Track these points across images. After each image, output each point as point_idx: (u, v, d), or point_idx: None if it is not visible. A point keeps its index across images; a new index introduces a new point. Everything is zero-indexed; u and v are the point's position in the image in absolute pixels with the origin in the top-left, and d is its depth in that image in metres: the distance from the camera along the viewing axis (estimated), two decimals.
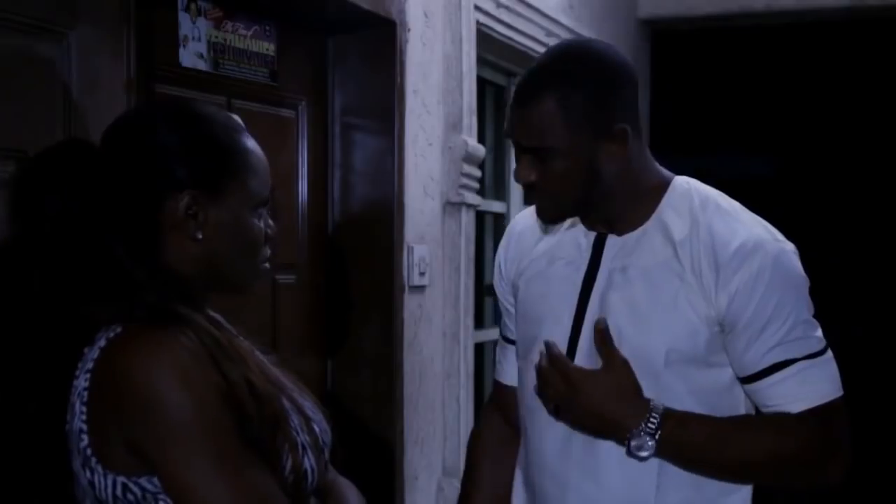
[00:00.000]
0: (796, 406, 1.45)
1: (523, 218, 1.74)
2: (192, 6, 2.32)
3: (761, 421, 1.50)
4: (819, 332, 1.48)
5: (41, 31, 1.71)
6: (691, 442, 1.45)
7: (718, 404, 1.50)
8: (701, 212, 1.50)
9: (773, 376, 1.45)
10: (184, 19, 2.30)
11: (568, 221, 1.62)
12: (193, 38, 2.32)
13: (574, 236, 1.60)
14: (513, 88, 4.07)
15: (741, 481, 1.52)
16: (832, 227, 7.13)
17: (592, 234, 1.57)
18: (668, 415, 1.44)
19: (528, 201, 1.55)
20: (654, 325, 1.48)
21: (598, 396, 1.44)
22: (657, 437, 1.42)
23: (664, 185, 1.55)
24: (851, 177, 7.43)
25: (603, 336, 1.46)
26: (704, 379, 1.49)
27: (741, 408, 1.54)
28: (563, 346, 1.54)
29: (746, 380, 1.49)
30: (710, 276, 1.45)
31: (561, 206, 1.52)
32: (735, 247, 1.45)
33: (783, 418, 1.46)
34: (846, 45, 6.27)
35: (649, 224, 1.53)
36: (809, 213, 6.95)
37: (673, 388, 1.48)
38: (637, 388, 1.45)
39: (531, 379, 1.57)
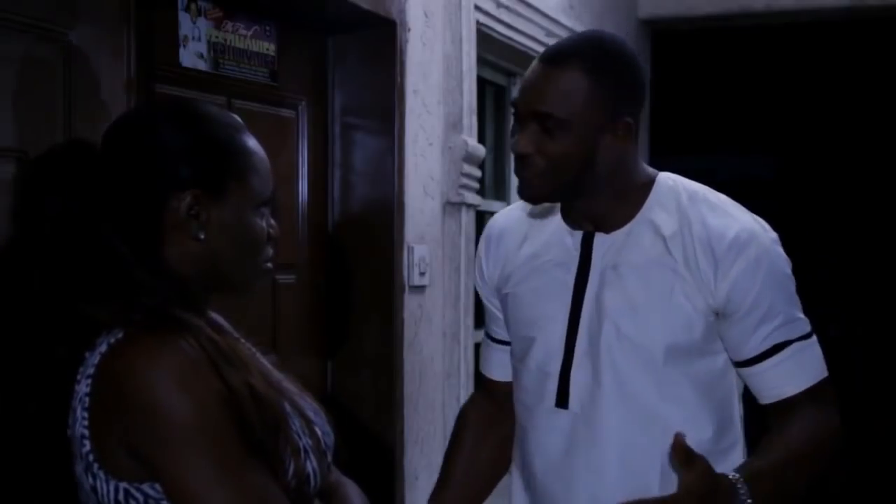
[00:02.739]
0: (795, 386, 1.51)
1: (501, 218, 1.74)
2: (192, 6, 2.32)
3: (788, 431, 1.51)
4: (803, 314, 1.55)
5: (41, 31, 1.71)
6: (771, 487, 1.44)
7: (714, 390, 1.54)
8: (690, 207, 1.53)
9: (772, 359, 1.51)
10: (184, 19, 2.30)
11: (552, 222, 1.62)
12: (193, 38, 2.32)
13: (560, 237, 1.60)
14: (513, 89, 4.08)
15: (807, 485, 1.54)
16: (832, 226, 7.14)
17: (579, 234, 1.58)
18: (747, 478, 1.40)
19: (517, 172, 1.54)
20: (651, 320, 1.50)
21: None
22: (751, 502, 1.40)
23: (649, 183, 1.57)
24: (851, 177, 7.44)
25: (681, 450, 1.35)
26: (701, 367, 1.53)
27: (734, 392, 1.58)
28: (560, 347, 1.56)
29: (745, 363, 1.53)
30: (707, 268, 1.49)
31: (548, 186, 1.51)
32: (731, 238, 1.49)
33: (793, 415, 1.50)
34: (846, 45, 6.27)
35: (636, 221, 1.55)
36: (809, 213, 6.95)
37: (673, 378, 1.51)
38: (719, 480, 1.38)
39: (530, 382, 1.60)
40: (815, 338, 1.54)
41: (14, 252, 1.25)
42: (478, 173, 3.11)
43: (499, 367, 1.75)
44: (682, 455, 1.35)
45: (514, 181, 3.79)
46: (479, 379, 1.84)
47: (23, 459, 1.25)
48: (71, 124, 1.74)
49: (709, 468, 1.35)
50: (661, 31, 5.07)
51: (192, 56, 2.32)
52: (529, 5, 3.49)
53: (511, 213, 1.73)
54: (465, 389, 3.10)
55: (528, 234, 1.65)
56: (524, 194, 1.55)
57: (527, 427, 1.62)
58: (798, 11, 4.64)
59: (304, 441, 1.26)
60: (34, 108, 1.70)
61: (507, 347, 1.71)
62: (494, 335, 1.76)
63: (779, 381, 1.51)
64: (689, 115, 6.91)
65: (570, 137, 1.47)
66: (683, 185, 1.57)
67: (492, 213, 3.73)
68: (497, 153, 3.78)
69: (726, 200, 1.57)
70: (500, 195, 3.80)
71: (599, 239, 1.56)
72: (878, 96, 6.83)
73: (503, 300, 1.68)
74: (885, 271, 7.19)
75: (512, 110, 1.56)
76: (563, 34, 3.77)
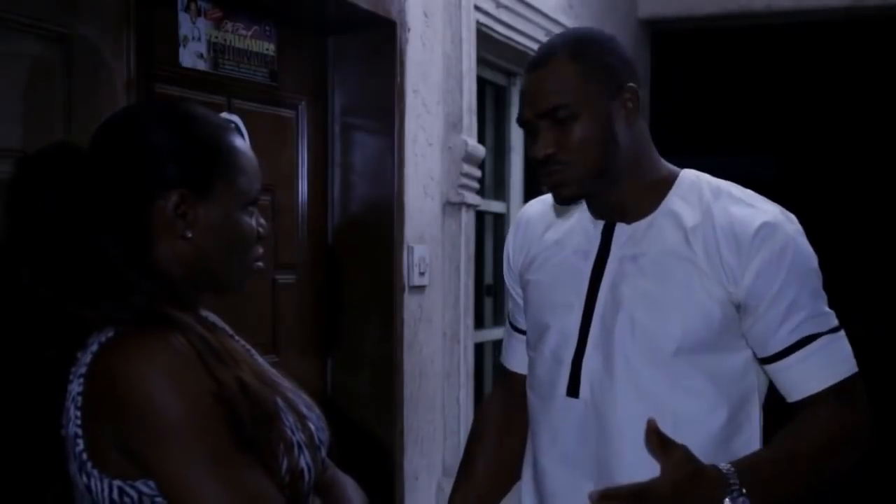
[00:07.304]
0: (821, 382, 1.48)
1: (532, 207, 1.75)
2: (192, 6, 2.32)
3: (802, 426, 1.49)
4: (829, 308, 1.52)
5: (41, 31, 1.71)
6: (769, 479, 1.42)
7: (731, 387, 1.51)
8: (713, 200, 1.52)
9: (798, 353, 1.48)
10: (184, 19, 2.30)
11: (576, 209, 1.62)
12: (193, 38, 2.32)
13: (582, 225, 1.61)
14: (513, 89, 4.07)
15: (815, 484, 1.50)
16: (831, 226, 7.14)
17: (601, 223, 1.58)
18: (741, 469, 1.39)
19: (544, 180, 1.54)
20: (667, 312, 1.49)
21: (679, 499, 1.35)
22: (744, 493, 1.37)
23: (671, 178, 1.58)
24: (851, 177, 7.44)
25: (655, 435, 1.35)
26: (717, 362, 1.51)
27: (754, 395, 1.54)
28: (574, 335, 1.56)
29: (771, 359, 1.50)
30: (731, 259, 1.48)
31: (580, 178, 1.51)
32: (755, 227, 1.48)
33: (813, 412, 1.48)
34: (845, 45, 6.28)
35: (658, 213, 1.54)
36: (808, 213, 6.94)
37: (685, 371, 1.49)
38: (703, 469, 1.37)
39: (543, 370, 1.60)
40: (843, 332, 1.51)
41: (3, 253, 1.25)
42: (478, 173, 3.11)
43: (520, 358, 1.74)
44: (655, 441, 1.34)
45: (514, 181, 3.82)
46: (500, 372, 1.83)
47: (18, 461, 1.26)
48: (71, 124, 1.74)
49: (688, 455, 1.34)
50: (661, 31, 5.07)
51: (192, 56, 2.32)
52: (529, 5, 3.49)
53: (540, 203, 1.73)
54: (465, 389, 3.10)
55: (553, 222, 1.66)
56: (558, 198, 1.55)
57: (538, 416, 1.63)
58: (798, 11, 4.64)
59: (297, 436, 1.26)
60: (34, 108, 1.70)
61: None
62: (517, 324, 1.76)
63: (805, 376, 1.48)
64: (688, 115, 6.91)
65: (583, 122, 1.48)
66: (706, 179, 1.58)
67: (492, 213, 3.76)
68: (497, 153, 3.79)
69: (751, 193, 1.56)
70: (500, 195, 3.80)
71: (620, 229, 1.56)
72: (877, 96, 6.83)
73: (525, 287, 1.69)
74: (886, 271, 7.19)
75: (517, 120, 1.56)
76: None
